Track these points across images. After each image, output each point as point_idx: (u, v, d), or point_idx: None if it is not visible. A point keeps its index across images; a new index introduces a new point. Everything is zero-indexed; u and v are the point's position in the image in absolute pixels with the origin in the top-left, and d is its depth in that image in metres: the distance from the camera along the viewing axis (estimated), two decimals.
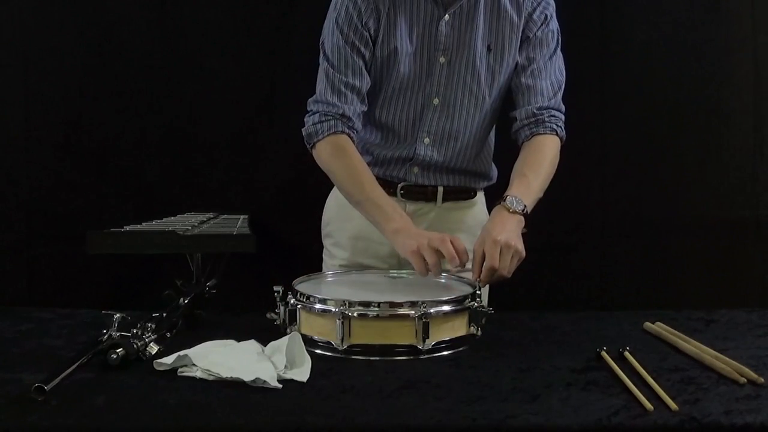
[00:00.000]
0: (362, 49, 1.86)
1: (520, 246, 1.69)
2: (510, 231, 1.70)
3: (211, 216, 2.32)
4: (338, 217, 2.05)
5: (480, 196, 2.09)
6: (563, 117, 1.94)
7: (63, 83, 2.71)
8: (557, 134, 1.92)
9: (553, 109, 1.92)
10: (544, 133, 1.91)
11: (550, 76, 1.93)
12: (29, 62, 2.71)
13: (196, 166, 2.75)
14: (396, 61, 1.89)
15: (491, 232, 1.69)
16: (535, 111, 1.91)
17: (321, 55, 1.91)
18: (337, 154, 1.85)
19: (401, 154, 1.96)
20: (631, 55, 2.76)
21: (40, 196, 2.75)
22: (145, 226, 2.01)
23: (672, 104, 2.78)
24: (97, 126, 2.73)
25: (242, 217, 2.29)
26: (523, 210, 1.75)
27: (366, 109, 1.90)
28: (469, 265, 1.71)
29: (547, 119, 1.91)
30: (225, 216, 2.35)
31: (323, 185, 2.06)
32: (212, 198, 2.69)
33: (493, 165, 2.09)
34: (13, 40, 2.69)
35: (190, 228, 1.95)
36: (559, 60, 1.96)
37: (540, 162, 1.88)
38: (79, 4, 2.69)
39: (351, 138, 1.87)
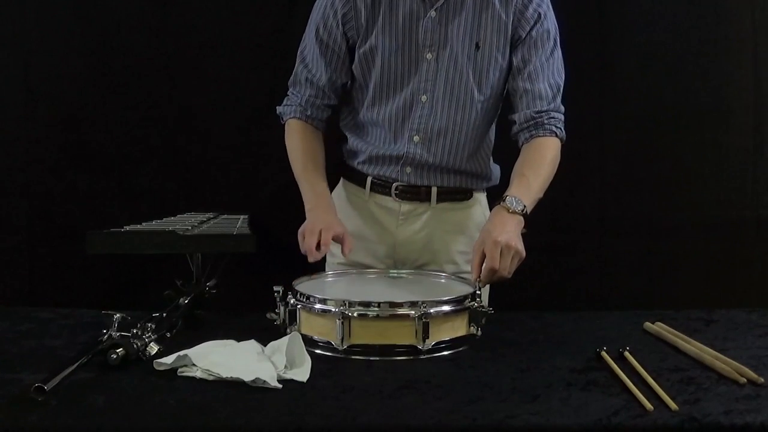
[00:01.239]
0: (332, 45, 1.94)
1: (521, 247, 1.69)
2: (510, 231, 1.69)
3: (211, 216, 2.31)
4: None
5: (479, 198, 2.07)
6: (563, 117, 1.93)
7: (64, 83, 2.71)
8: (557, 135, 1.90)
9: (552, 111, 1.90)
10: (543, 135, 1.90)
11: (548, 78, 1.90)
12: (30, 62, 2.70)
13: (196, 166, 2.75)
14: (377, 58, 1.89)
15: (492, 232, 1.69)
16: (533, 115, 1.89)
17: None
18: (289, 134, 2.03)
19: (392, 152, 1.96)
20: (631, 55, 2.76)
21: (40, 196, 2.75)
22: (145, 226, 2.01)
23: (672, 104, 2.78)
24: (98, 126, 2.73)
25: (242, 217, 2.28)
26: (522, 210, 1.75)
27: (332, 102, 2.01)
28: (467, 267, 1.71)
29: (546, 121, 1.90)
30: (225, 216, 2.34)
31: None
32: (212, 198, 2.69)
33: (495, 166, 2.09)
34: (14, 40, 2.69)
35: (190, 228, 1.95)
36: (557, 61, 1.93)
37: (540, 162, 1.87)
38: (79, 5, 2.69)
39: (310, 123, 2.01)
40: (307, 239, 1.80)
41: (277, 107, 2.06)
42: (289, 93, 2.04)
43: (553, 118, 1.91)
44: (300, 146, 2.00)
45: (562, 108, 1.94)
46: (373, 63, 1.91)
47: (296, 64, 2.02)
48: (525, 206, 1.76)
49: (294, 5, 2.66)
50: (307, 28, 1.99)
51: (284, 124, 2.05)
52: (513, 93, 1.94)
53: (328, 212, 1.90)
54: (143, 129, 2.73)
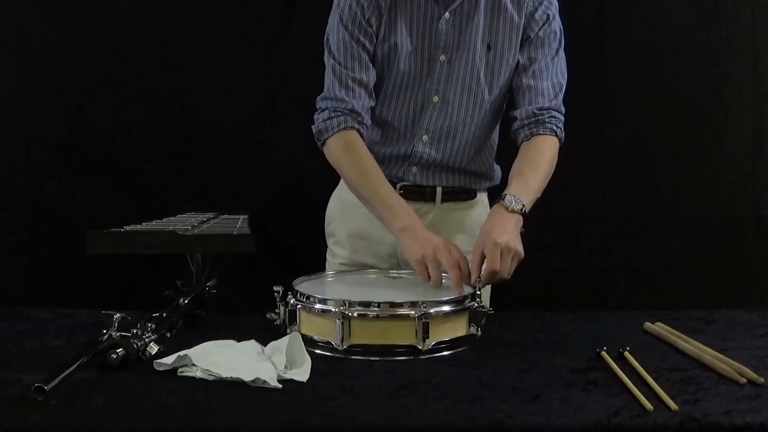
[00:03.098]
0: (367, 44, 1.87)
1: (520, 247, 1.69)
2: (510, 232, 1.69)
3: (211, 216, 2.32)
4: (340, 216, 2.05)
5: (482, 197, 2.08)
6: (563, 118, 1.94)
7: (63, 83, 2.71)
8: (556, 135, 1.91)
9: (553, 110, 1.92)
10: (543, 134, 1.90)
11: (551, 77, 1.92)
12: (29, 62, 2.71)
13: (196, 166, 2.75)
14: (395, 58, 1.89)
15: (491, 233, 1.69)
16: (535, 111, 1.91)
17: (326, 53, 1.91)
18: (347, 150, 1.85)
19: (400, 151, 1.96)
20: (631, 55, 2.76)
21: (40, 196, 2.75)
22: (145, 226, 2.01)
23: (672, 104, 2.78)
24: (98, 126, 2.74)
25: (242, 217, 2.29)
26: (521, 209, 1.75)
27: (374, 103, 1.91)
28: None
29: (547, 120, 1.91)
30: (225, 216, 2.34)
31: (324, 185, 2.06)
32: (212, 198, 2.69)
33: (497, 166, 2.09)
34: (13, 40, 2.69)
35: (190, 228, 1.95)
36: (561, 61, 1.95)
37: (539, 162, 1.88)
38: (79, 5, 2.69)
39: (361, 133, 1.87)
40: (445, 260, 1.66)
41: (312, 126, 1.89)
42: (327, 106, 1.87)
43: (554, 117, 1.92)
44: (368, 162, 1.84)
45: (563, 108, 1.95)
46: (389, 63, 1.91)
47: (328, 73, 1.88)
48: (524, 205, 1.76)
49: (293, 6, 2.66)
50: (332, 33, 1.88)
51: (326, 140, 1.86)
52: (516, 90, 1.95)
53: (426, 229, 1.79)
54: (143, 129, 2.73)
